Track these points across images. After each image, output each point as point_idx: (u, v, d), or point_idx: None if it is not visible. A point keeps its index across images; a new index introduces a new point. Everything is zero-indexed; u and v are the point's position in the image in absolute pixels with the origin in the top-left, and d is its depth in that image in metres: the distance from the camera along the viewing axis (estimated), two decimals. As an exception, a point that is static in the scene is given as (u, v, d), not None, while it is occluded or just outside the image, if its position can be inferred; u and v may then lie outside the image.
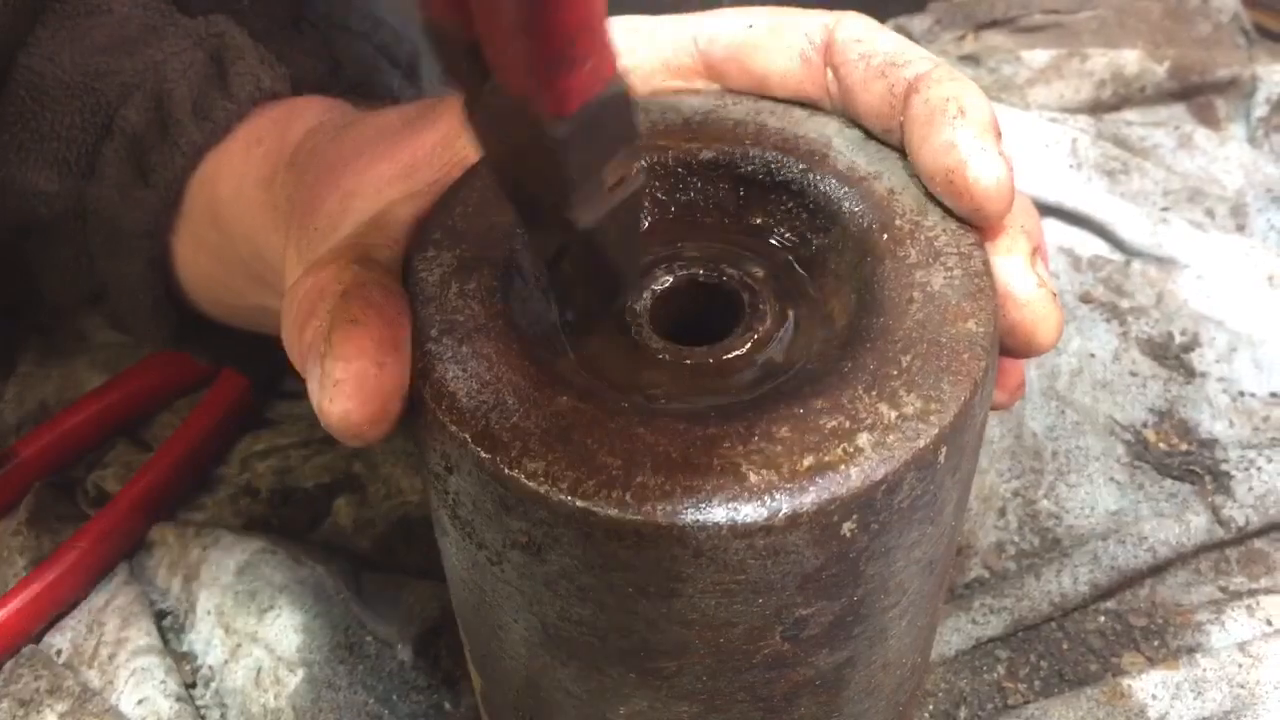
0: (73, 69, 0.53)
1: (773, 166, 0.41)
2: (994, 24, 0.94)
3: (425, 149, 0.41)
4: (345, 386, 0.35)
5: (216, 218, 0.52)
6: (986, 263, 0.37)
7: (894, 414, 0.33)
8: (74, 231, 0.56)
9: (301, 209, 0.45)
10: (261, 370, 0.68)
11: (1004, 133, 0.81)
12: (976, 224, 0.38)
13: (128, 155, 0.53)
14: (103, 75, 0.53)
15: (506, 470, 0.33)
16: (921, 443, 0.33)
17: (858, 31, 0.42)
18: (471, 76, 0.30)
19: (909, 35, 0.93)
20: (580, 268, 0.35)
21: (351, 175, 0.43)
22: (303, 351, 0.37)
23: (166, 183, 0.52)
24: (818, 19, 0.43)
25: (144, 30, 0.55)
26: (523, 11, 0.26)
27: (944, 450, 0.33)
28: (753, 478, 0.32)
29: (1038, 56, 0.90)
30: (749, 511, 0.31)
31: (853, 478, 0.32)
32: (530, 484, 0.32)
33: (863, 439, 0.32)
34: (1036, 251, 0.39)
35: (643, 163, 0.32)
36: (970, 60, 0.91)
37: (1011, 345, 0.38)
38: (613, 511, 0.32)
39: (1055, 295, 0.38)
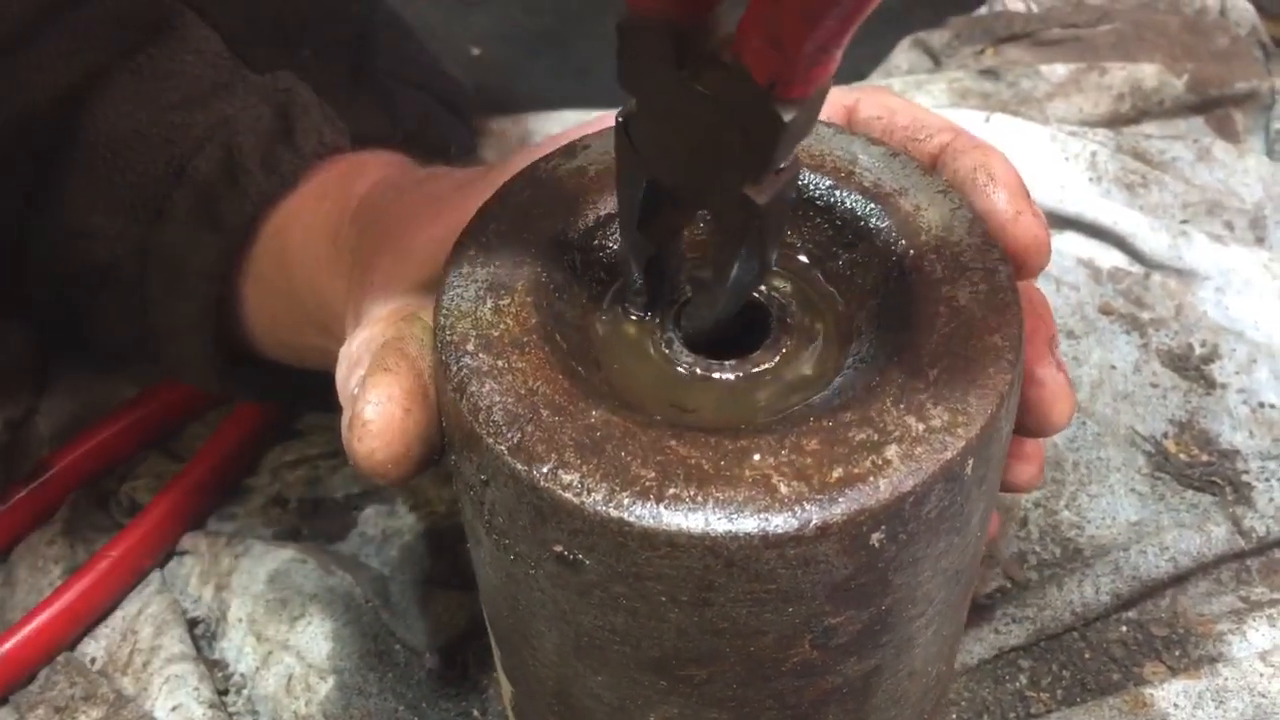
0: (148, 122, 0.56)
1: (800, 183, 0.42)
2: (1013, 38, 0.95)
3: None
4: (372, 427, 0.38)
5: (285, 267, 0.55)
6: (1011, 277, 0.38)
7: (921, 427, 0.34)
8: (131, 274, 0.58)
9: (362, 265, 0.47)
10: (293, 402, 0.71)
11: (1023, 147, 0.82)
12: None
13: (197, 202, 0.56)
14: (176, 128, 0.56)
15: (542, 482, 0.34)
16: (949, 455, 0.33)
17: (876, 109, 0.46)
18: (666, 63, 0.33)
19: (929, 50, 0.94)
20: (729, 254, 0.37)
21: (407, 236, 0.46)
22: (345, 398, 0.40)
23: (233, 228, 0.55)
24: (838, 99, 0.46)
25: (215, 87, 0.57)
26: (827, 4, 0.28)
27: (971, 462, 0.34)
28: (783, 489, 0.33)
29: (1057, 70, 0.90)
30: (780, 522, 0.32)
31: (881, 489, 0.33)
32: (565, 495, 0.33)
33: (891, 451, 0.33)
34: (1052, 339, 0.42)
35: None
36: (989, 74, 0.91)
37: (1028, 422, 0.41)
38: (646, 522, 0.33)
39: (1070, 382, 0.42)
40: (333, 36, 0.61)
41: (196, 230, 0.56)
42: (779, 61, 0.30)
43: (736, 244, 0.36)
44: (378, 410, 0.38)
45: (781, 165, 0.34)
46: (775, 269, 0.42)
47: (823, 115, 0.45)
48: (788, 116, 0.31)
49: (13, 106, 0.56)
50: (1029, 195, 0.41)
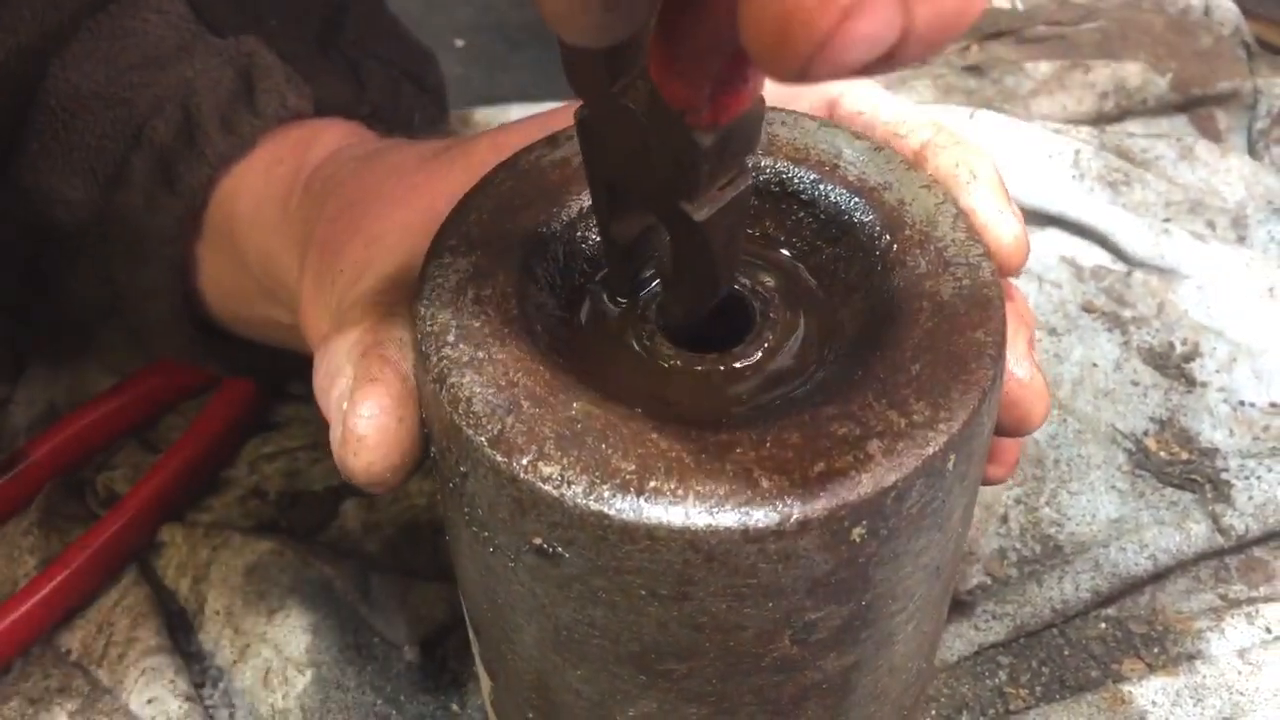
0: (106, 83, 0.55)
1: (784, 177, 0.42)
2: (997, 35, 0.95)
3: (444, 197, 0.43)
4: (368, 441, 0.37)
5: (232, 233, 0.54)
6: (995, 272, 0.38)
7: (904, 421, 0.34)
8: (95, 239, 0.57)
9: (322, 246, 0.46)
10: (267, 379, 0.70)
11: (1007, 144, 0.82)
12: None
13: (155, 165, 0.55)
14: (135, 89, 0.55)
15: (522, 474, 0.33)
16: (931, 450, 0.33)
17: (859, 104, 0.45)
18: (600, 78, 0.33)
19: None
20: (682, 262, 0.36)
21: (373, 219, 0.45)
22: (328, 407, 0.40)
23: (191, 191, 0.54)
24: (821, 92, 0.46)
25: (176, 48, 0.56)
26: (722, 37, 0.27)
27: (953, 458, 0.34)
28: (764, 483, 0.32)
29: (1041, 68, 0.91)
30: (761, 516, 0.32)
31: (863, 484, 0.32)
32: (545, 488, 0.33)
33: (873, 446, 0.33)
34: (1031, 341, 0.42)
35: (751, 164, 0.34)
36: (974, 71, 0.91)
37: (1004, 421, 0.41)
38: (627, 515, 0.32)
39: (1047, 383, 0.42)
40: (301, 6, 0.61)
41: (155, 193, 0.55)
42: (685, 92, 0.30)
43: (683, 256, 0.36)
44: (371, 423, 0.37)
45: (724, 182, 0.33)
46: (758, 263, 0.41)
47: (805, 108, 0.45)
48: (705, 141, 0.31)
49: None
50: (1008, 194, 0.41)
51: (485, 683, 0.46)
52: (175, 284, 0.56)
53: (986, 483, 0.46)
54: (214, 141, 0.54)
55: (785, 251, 0.42)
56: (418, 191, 0.44)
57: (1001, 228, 0.40)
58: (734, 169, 0.33)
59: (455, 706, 0.59)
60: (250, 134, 0.54)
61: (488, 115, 0.91)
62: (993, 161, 0.42)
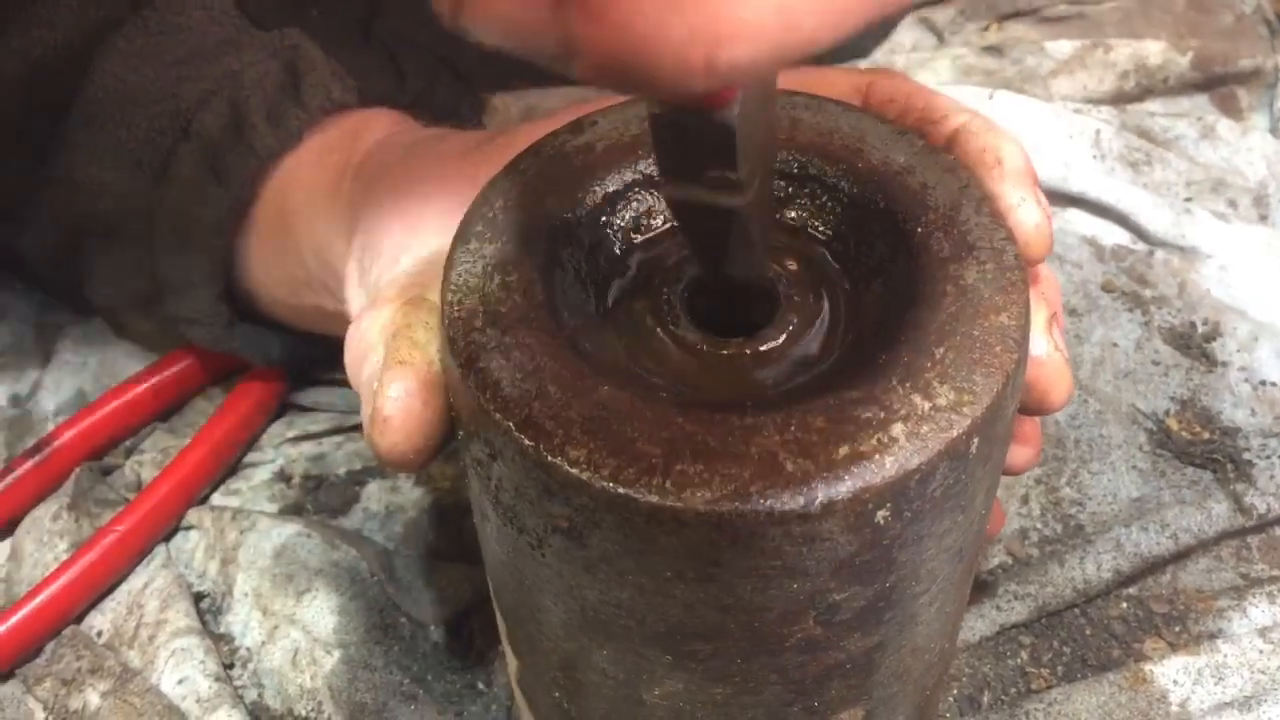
0: (153, 77, 0.56)
1: (807, 161, 0.42)
2: (1017, 15, 0.95)
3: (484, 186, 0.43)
4: (394, 422, 0.38)
5: (285, 223, 0.55)
6: (1018, 257, 0.38)
7: (928, 405, 0.34)
8: (138, 229, 0.58)
9: (366, 228, 0.47)
10: (298, 368, 0.71)
11: (1027, 124, 0.82)
12: None
13: (203, 157, 0.55)
14: (181, 83, 0.56)
15: (549, 457, 0.34)
16: (955, 433, 0.33)
17: (891, 91, 0.45)
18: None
19: (933, 26, 0.94)
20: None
21: (416, 205, 0.46)
22: (358, 386, 0.40)
23: (239, 183, 0.55)
24: (851, 81, 0.46)
25: (221, 42, 0.57)
26: None
27: (976, 441, 0.34)
28: (790, 466, 0.33)
29: (1061, 47, 0.90)
30: (786, 499, 0.32)
31: (887, 467, 0.33)
32: (572, 471, 0.33)
33: (897, 429, 0.33)
34: (1054, 318, 0.41)
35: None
36: (993, 51, 0.91)
37: (1025, 401, 0.41)
38: (653, 498, 0.33)
39: (1068, 361, 0.41)
40: None
41: (203, 186, 0.56)
42: None
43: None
44: (397, 405, 0.38)
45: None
46: (781, 247, 0.42)
47: (836, 96, 0.45)
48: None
49: (23, 62, 0.56)
50: (1035, 183, 0.41)
51: (512, 662, 0.47)
52: (219, 275, 0.57)
53: (1014, 469, 0.46)
54: (262, 135, 0.55)
55: (808, 235, 0.43)
56: (459, 180, 0.44)
57: (1021, 214, 0.40)
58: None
59: (482, 685, 0.60)
60: (297, 128, 0.55)
61: (506, 99, 0.91)
62: (1020, 149, 0.42)
